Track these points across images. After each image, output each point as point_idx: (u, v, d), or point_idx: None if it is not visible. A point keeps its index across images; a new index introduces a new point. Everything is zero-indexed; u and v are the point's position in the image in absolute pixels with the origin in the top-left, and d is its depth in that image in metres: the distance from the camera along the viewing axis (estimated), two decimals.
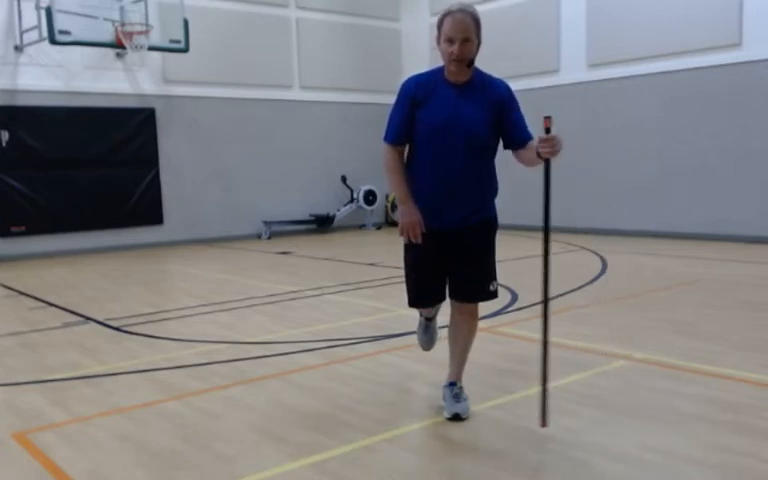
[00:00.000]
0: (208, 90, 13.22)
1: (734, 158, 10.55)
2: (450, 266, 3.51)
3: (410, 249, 3.56)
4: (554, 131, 3.11)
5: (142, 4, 11.38)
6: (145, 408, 3.92)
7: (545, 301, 3.21)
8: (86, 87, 11.96)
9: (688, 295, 6.65)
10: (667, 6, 11.12)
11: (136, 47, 11.18)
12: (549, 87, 12.78)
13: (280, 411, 3.79)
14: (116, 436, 3.52)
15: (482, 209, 3.40)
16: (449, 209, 3.40)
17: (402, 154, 3.50)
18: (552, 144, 3.14)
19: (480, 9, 3.39)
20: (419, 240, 3.39)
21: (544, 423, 3.24)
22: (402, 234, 3.43)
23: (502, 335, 5.29)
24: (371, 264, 9.53)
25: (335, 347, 5.10)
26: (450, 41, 3.27)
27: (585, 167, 12.45)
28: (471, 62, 3.32)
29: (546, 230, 3.24)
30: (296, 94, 14.40)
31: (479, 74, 3.40)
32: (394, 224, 15.17)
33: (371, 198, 14.94)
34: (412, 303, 3.69)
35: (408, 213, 3.40)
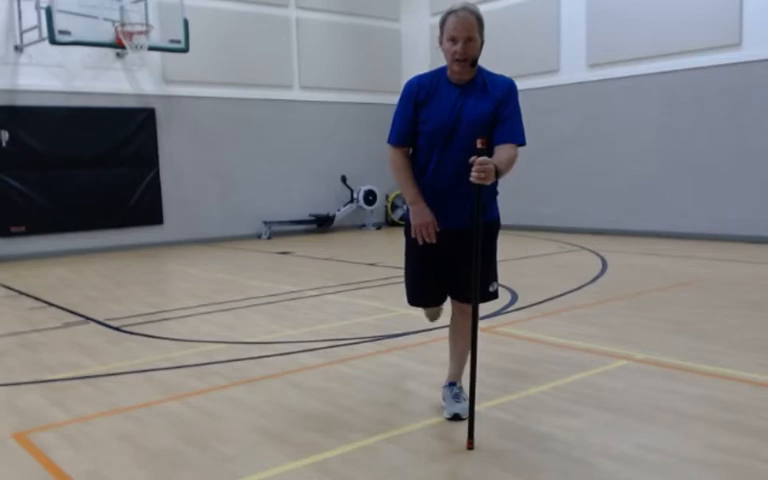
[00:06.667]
0: (208, 90, 13.22)
1: (734, 158, 10.56)
2: (451, 266, 3.50)
3: (411, 248, 3.55)
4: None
5: (142, 4, 11.39)
6: (145, 408, 3.92)
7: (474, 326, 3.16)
8: (86, 87, 11.96)
9: (688, 295, 6.65)
10: (667, 6, 11.12)
11: (136, 47, 11.18)
12: (549, 87, 12.79)
13: (280, 411, 3.79)
14: (116, 436, 3.52)
15: (485, 210, 3.37)
16: (452, 210, 3.38)
17: (407, 154, 3.47)
18: (478, 169, 3.03)
19: (480, 9, 3.37)
20: (433, 240, 3.37)
21: (471, 445, 3.20)
22: (415, 234, 3.40)
23: (502, 335, 5.29)
24: (371, 264, 9.53)
25: (335, 347, 5.10)
26: (453, 40, 3.25)
27: (585, 167, 12.47)
28: (474, 61, 3.30)
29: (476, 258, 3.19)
30: (296, 94, 14.40)
31: (482, 73, 3.38)
32: (394, 224, 15.19)
33: (371, 198, 14.94)
34: (411, 302, 3.69)
35: (420, 213, 3.37)
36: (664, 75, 11.28)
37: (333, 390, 4.11)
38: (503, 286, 6.09)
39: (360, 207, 14.92)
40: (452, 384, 3.66)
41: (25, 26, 11.26)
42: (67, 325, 6.24)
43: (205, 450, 3.30)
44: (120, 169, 12.36)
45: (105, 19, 11.01)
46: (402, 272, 3.74)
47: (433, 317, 3.93)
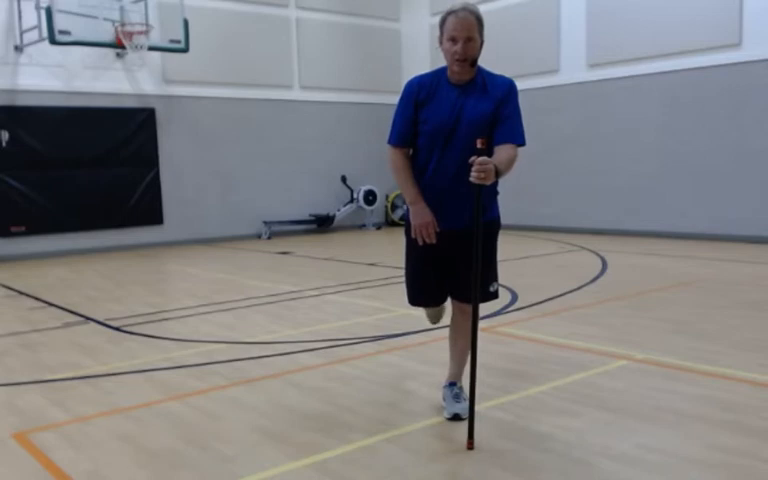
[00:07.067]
0: (208, 90, 13.22)
1: (734, 158, 10.56)
2: (451, 266, 3.50)
3: (412, 248, 3.55)
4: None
5: (142, 4, 11.39)
6: (145, 408, 3.92)
7: (474, 325, 3.19)
8: (86, 87, 11.96)
9: (688, 295, 6.65)
10: (667, 6, 11.12)
11: (136, 47, 11.18)
12: (549, 87, 12.79)
13: (280, 411, 3.79)
14: (116, 436, 3.52)
15: (485, 210, 3.37)
16: (452, 210, 3.38)
17: (408, 155, 3.47)
18: (478, 169, 3.03)
19: (480, 9, 3.37)
20: (433, 240, 3.37)
21: (471, 445, 3.20)
22: (415, 235, 3.40)
23: (502, 335, 5.29)
24: (371, 264, 9.53)
25: (335, 347, 5.10)
26: (453, 40, 3.25)
27: (585, 167, 12.47)
28: (474, 61, 3.30)
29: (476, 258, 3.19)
30: (296, 94, 14.40)
31: (482, 73, 3.38)
32: (394, 224, 15.19)
33: (371, 198, 14.94)
34: (412, 302, 3.69)
35: (420, 213, 3.37)
36: (664, 75, 11.28)
37: (333, 390, 4.11)
38: (503, 286, 6.09)
39: (360, 207, 14.92)
40: (452, 384, 3.66)
41: (25, 26, 11.26)
42: (67, 325, 6.24)
43: (205, 450, 3.30)
44: (120, 169, 12.36)
45: (105, 19, 11.01)
46: (402, 272, 3.74)
47: (434, 319, 3.93)
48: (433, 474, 2.97)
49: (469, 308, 3.34)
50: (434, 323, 4.01)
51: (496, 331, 5.40)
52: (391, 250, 11.10)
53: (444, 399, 3.66)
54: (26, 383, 4.51)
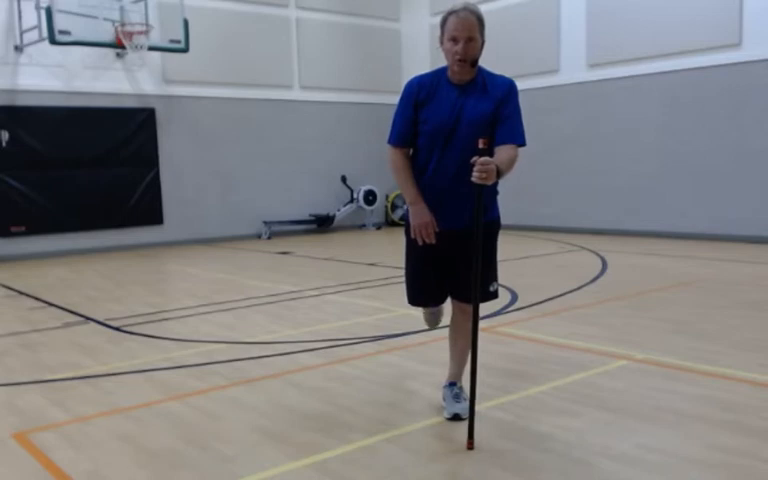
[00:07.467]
0: (208, 90, 13.23)
1: (734, 158, 10.56)
2: (451, 266, 3.50)
3: (412, 248, 3.55)
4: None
5: (142, 4, 11.39)
6: (145, 408, 3.92)
7: (475, 324, 3.23)
8: (86, 87, 11.96)
9: (688, 295, 6.65)
10: (667, 6, 11.12)
11: (136, 47, 11.18)
12: (549, 87, 12.79)
13: (280, 411, 3.79)
14: (116, 436, 3.52)
15: (485, 210, 3.36)
16: (452, 210, 3.38)
17: (408, 155, 3.47)
18: (480, 169, 3.04)
19: (480, 9, 3.37)
20: (433, 240, 3.37)
21: (471, 445, 3.20)
22: (415, 235, 3.40)
23: (502, 335, 5.29)
24: (371, 264, 9.53)
25: (335, 347, 5.10)
26: (454, 40, 3.25)
27: (585, 167, 12.47)
28: (475, 62, 3.30)
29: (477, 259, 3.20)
30: (296, 94, 14.41)
31: (482, 73, 3.38)
32: (394, 224, 15.19)
33: (371, 198, 14.94)
34: (411, 302, 3.69)
35: (420, 214, 3.37)
36: (664, 75, 11.28)
37: (333, 390, 4.11)
38: (503, 286, 6.09)
39: (360, 207, 14.92)
40: (452, 384, 3.66)
41: (25, 26, 11.27)
42: (67, 325, 6.24)
43: (205, 450, 3.30)
44: (120, 169, 12.36)
45: (105, 19, 11.01)
46: (402, 272, 3.74)
47: (432, 324, 3.94)
48: (433, 474, 2.98)
49: (469, 308, 3.34)
50: (432, 327, 4.01)
51: (496, 331, 5.40)
52: (391, 250, 11.10)
53: (444, 399, 3.66)
54: (26, 383, 4.51)
